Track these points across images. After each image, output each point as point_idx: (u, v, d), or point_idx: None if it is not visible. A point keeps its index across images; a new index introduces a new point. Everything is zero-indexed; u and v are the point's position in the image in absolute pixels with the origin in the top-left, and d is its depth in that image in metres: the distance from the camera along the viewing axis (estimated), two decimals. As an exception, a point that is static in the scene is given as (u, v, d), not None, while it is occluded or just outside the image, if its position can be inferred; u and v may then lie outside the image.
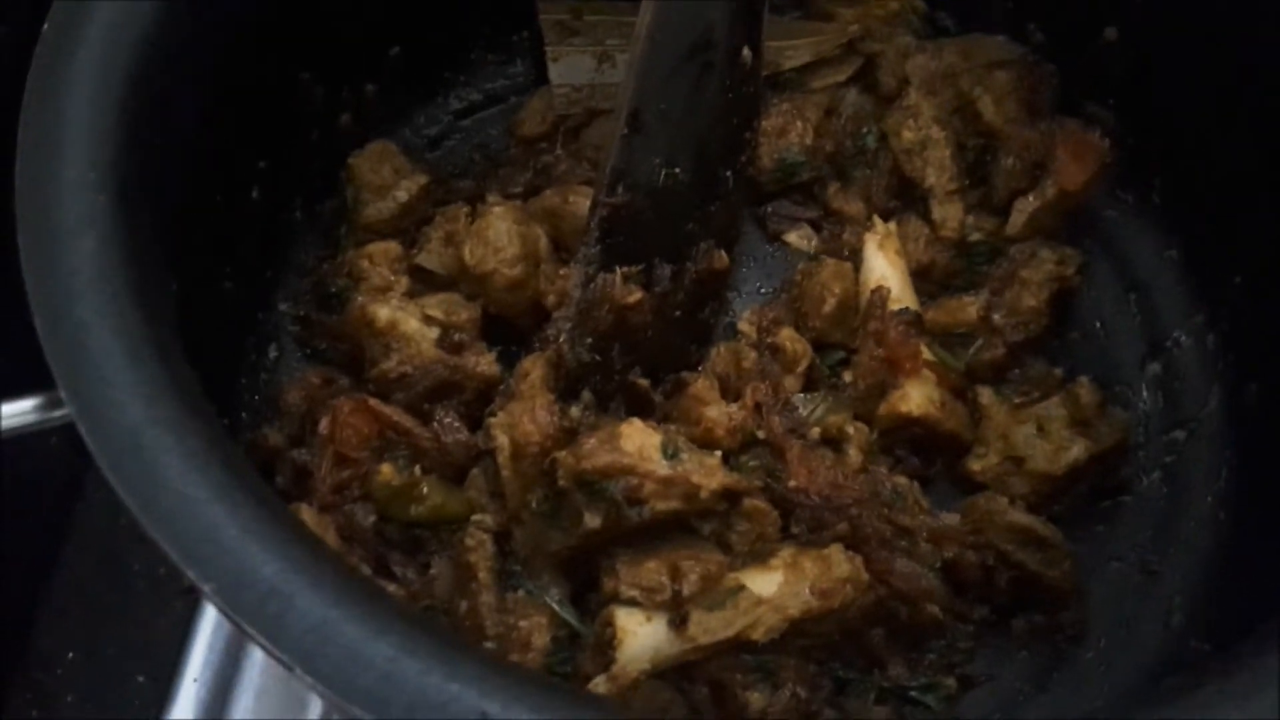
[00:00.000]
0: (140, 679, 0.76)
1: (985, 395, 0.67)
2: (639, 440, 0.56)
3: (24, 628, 0.78)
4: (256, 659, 0.68)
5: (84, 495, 0.81)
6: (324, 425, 0.61)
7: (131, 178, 0.49)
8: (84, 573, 0.80)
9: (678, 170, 0.64)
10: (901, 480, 0.64)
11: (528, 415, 0.59)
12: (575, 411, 0.61)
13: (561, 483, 0.56)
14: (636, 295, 0.62)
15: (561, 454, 0.57)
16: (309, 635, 0.36)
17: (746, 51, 0.66)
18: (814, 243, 0.74)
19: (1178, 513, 0.67)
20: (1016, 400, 0.67)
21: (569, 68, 0.75)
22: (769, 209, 0.75)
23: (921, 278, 0.72)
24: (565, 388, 0.62)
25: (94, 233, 0.44)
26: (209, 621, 0.71)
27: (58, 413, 0.41)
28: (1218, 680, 0.40)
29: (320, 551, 0.39)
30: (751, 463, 0.62)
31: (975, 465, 0.66)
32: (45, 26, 0.49)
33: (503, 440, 0.59)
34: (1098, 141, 0.71)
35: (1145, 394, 0.71)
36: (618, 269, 0.62)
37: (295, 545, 0.38)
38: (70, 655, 0.78)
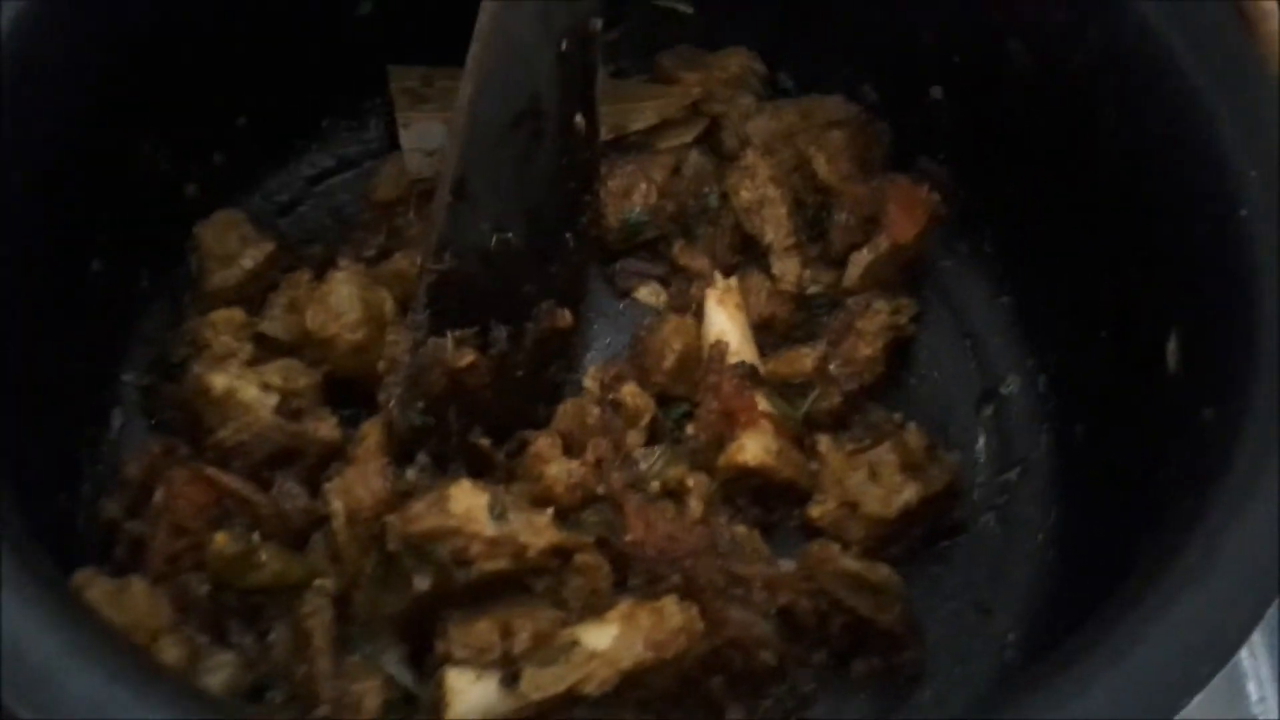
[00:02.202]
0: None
1: (823, 443, 0.69)
2: (466, 502, 0.57)
3: None
4: None
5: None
6: (159, 496, 0.61)
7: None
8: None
9: (510, 235, 0.65)
10: (741, 530, 0.65)
11: (360, 480, 0.60)
12: (411, 474, 0.62)
13: (391, 546, 0.57)
14: (469, 358, 0.63)
15: (391, 518, 0.57)
16: (83, 716, 0.36)
17: (579, 119, 0.68)
18: (662, 298, 0.76)
19: (1010, 551, 0.69)
20: (850, 447, 0.69)
21: (420, 133, 0.77)
22: (617, 266, 0.76)
23: (764, 330, 0.74)
24: (400, 451, 0.62)
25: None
26: None
27: None
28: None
29: (101, 630, 0.39)
30: (592, 518, 0.63)
31: (814, 511, 0.68)
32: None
33: (337, 505, 0.60)
34: (926, 195, 0.74)
35: (980, 436, 0.73)
36: (449, 333, 0.63)
37: (70, 624, 0.38)
38: None
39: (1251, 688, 0.72)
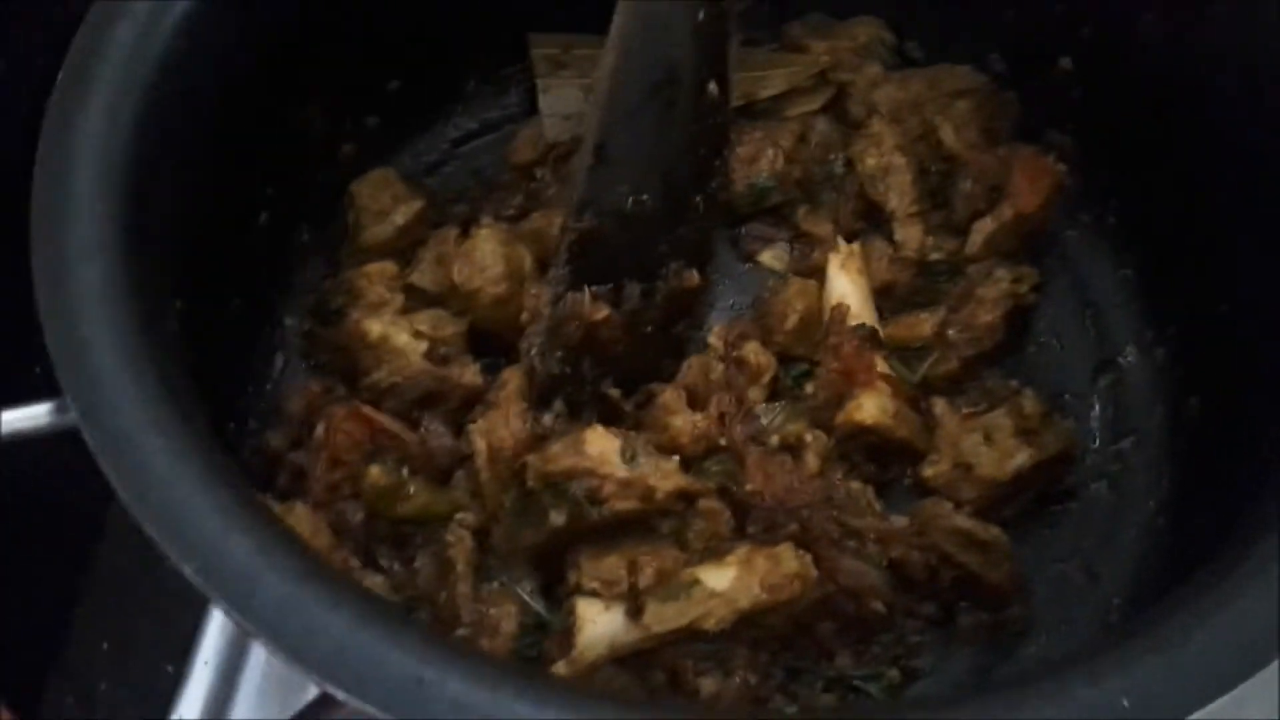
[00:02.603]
0: (170, 668, 0.82)
1: (939, 406, 0.72)
2: (600, 445, 0.61)
3: (63, 619, 0.84)
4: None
5: (116, 496, 0.87)
6: (319, 430, 0.66)
7: (138, 207, 0.55)
8: (117, 568, 0.86)
9: (645, 197, 0.69)
10: (855, 485, 0.68)
11: (502, 422, 0.65)
12: (548, 419, 0.66)
13: (530, 484, 0.62)
14: (605, 312, 0.67)
15: (531, 457, 0.62)
16: (273, 610, 0.41)
17: (713, 86, 0.71)
18: (786, 262, 0.79)
19: (1120, 519, 0.70)
20: (966, 411, 0.71)
21: (558, 99, 0.81)
22: (743, 230, 0.79)
23: (884, 295, 0.76)
24: (539, 397, 0.67)
25: (99, 258, 0.50)
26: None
27: (67, 416, 0.46)
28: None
29: (287, 538, 0.44)
30: (714, 468, 0.67)
31: (928, 471, 0.70)
32: (62, 67, 0.55)
33: (480, 445, 0.65)
34: (1052, 166, 0.75)
35: (1096, 405, 0.75)
36: (587, 288, 0.67)
37: (265, 532, 0.43)
38: (105, 645, 0.84)
39: None
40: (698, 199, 0.73)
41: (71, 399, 0.46)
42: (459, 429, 0.68)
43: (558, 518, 0.61)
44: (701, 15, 0.68)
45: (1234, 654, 0.42)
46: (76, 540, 0.85)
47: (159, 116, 0.58)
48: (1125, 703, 0.40)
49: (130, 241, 0.53)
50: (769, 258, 0.79)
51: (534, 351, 0.66)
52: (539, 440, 0.64)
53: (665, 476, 0.61)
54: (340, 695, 0.40)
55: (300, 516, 0.63)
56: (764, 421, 0.70)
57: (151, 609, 0.82)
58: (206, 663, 0.75)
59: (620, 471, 0.60)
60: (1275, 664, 0.43)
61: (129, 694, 0.81)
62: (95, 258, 0.50)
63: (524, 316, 0.68)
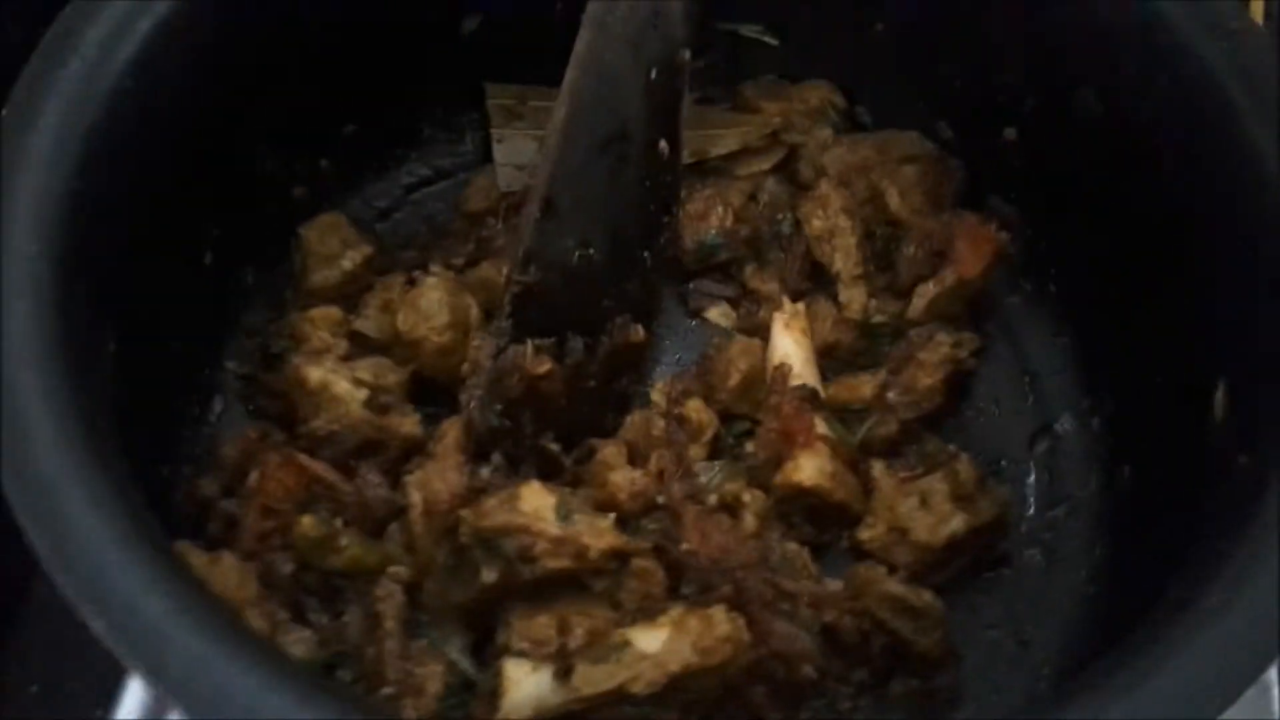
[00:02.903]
0: (99, 714, 0.80)
1: (877, 468, 0.72)
2: (535, 501, 0.61)
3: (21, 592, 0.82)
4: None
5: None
6: (253, 478, 0.65)
7: (75, 245, 0.54)
8: (48, 611, 0.84)
9: (592, 251, 0.69)
10: (792, 547, 0.68)
11: (439, 475, 0.64)
12: (485, 473, 0.66)
13: (463, 539, 0.61)
14: (547, 366, 0.67)
15: (465, 512, 0.61)
16: (184, 670, 0.41)
17: (664, 144, 0.71)
18: (732, 319, 0.79)
19: (1052, 586, 0.71)
20: (903, 474, 0.71)
21: (512, 149, 0.81)
22: (690, 286, 0.80)
23: (828, 356, 0.76)
24: (477, 450, 0.66)
25: (29, 298, 0.49)
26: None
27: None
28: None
29: (202, 597, 0.44)
30: (651, 525, 0.67)
31: (864, 534, 0.70)
32: (6, 105, 0.55)
33: (416, 497, 0.64)
34: (993, 234, 0.76)
35: (1032, 472, 0.76)
36: (529, 341, 0.67)
37: (180, 591, 0.43)
38: (34, 688, 0.83)
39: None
40: (645, 254, 0.73)
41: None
42: (396, 480, 0.67)
43: (489, 575, 0.60)
44: (654, 74, 0.69)
45: None
46: (6, 584, 0.84)
47: (102, 155, 0.58)
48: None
49: (64, 280, 0.53)
50: (716, 314, 0.80)
51: (473, 404, 0.66)
52: (475, 494, 0.64)
53: (599, 535, 0.61)
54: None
55: (228, 567, 0.62)
56: (703, 480, 0.70)
57: (83, 653, 0.80)
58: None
59: (554, 529, 0.60)
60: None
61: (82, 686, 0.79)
62: (26, 295, 0.49)
63: (465, 367, 0.68)
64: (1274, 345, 0.56)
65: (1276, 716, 0.73)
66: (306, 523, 0.64)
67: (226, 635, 0.42)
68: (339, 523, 0.65)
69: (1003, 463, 0.76)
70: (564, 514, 0.61)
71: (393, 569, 0.65)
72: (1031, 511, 0.74)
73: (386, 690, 0.61)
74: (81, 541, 0.43)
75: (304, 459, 0.66)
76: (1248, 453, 0.54)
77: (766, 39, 0.85)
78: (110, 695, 0.77)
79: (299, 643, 0.63)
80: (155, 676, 0.41)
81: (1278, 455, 0.51)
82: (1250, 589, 0.47)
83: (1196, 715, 0.43)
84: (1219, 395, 0.60)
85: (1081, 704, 0.43)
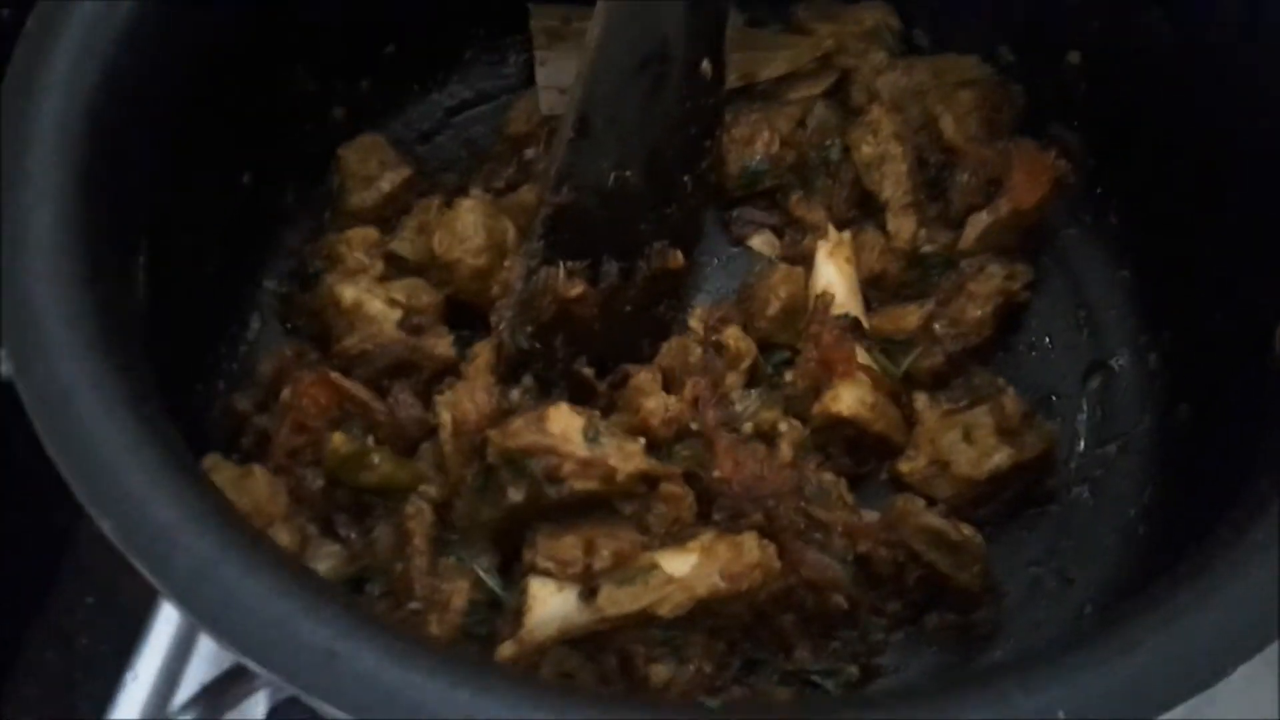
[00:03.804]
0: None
1: (920, 401, 0.70)
2: (563, 423, 0.60)
3: (48, 573, 0.85)
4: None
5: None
6: (285, 394, 0.65)
7: (102, 157, 0.54)
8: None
9: (629, 174, 0.67)
10: (828, 477, 0.67)
11: (468, 395, 0.64)
12: (515, 395, 0.65)
13: (490, 458, 0.60)
14: (579, 289, 0.66)
15: (492, 432, 0.61)
16: (188, 573, 0.41)
17: (706, 64, 0.69)
18: (776, 248, 0.77)
19: (1099, 525, 0.69)
20: (946, 407, 0.69)
21: (556, 70, 0.79)
22: (734, 214, 0.78)
23: (875, 286, 0.74)
24: (507, 372, 0.66)
25: (51, 208, 0.49)
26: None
27: (4, 367, 0.46)
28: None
29: (212, 503, 0.43)
30: (684, 452, 0.66)
31: (904, 467, 0.69)
32: (30, 17, 0.55)
33: (445, 417, 0.64)
34: (1052, 161, 0.73)
35: (1084, 408, 0.73)
36: (562, 263, 0.66)
37: (188, 495, 0.43)
38: (88, 600, 0.85)
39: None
40: (685, 179, 0.72)
41: (8, 350, 0.46)
42: (429, 401, 0.67)
43: (516, 495, 0.60)
44: (695, -9, 0.67)
45: (1173, 674, 0.40)
46: (67, 493, 0.86)
47: (131, 68, 0.57)
48: (1061, 714, 0.39)
49: (88, 193, 0.52)
50: (759, 243, 0.78)
51: (503, 325, 0.65)
52: (505, 415, 0.63)
53: (627, 458, 0.60)
54: (251, 665, 0.40)
55: (259, 480, 0.62)
56: (739, 408, 0.68)
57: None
58: (168, 620, 0.75)
59: (581, 451, 0.59)
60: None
61: (110, 649, 0.81)
62: (47, 205, 0.49)
63: (494, 289, 0.67)
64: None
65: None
66: (338, 439, 0.64)
67: (234, 539, 0.42)
68: (371, 440, 0.65)
69: (1054, 398, 0.73)
70: (592, 436, 0.60)
71: (423, 487, 0.65)
72: (1082, 448, 0.72)
73: (413, 605, 0.61)
74: (93, 445, 0.43)
75: (336, 377, 0.66)
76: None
77: (821, -43, 0.82)
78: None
79: (328, 556, 0.63)
80: (160, 578, 0.41)
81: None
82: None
83: (1236, 652, 0.41)
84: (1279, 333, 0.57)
85: (1115, 635, 0.41)
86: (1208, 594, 0.42)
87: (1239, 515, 0.46)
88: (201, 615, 0.40)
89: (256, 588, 0.41)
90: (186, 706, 0.40)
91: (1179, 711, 0.40)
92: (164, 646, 0.74)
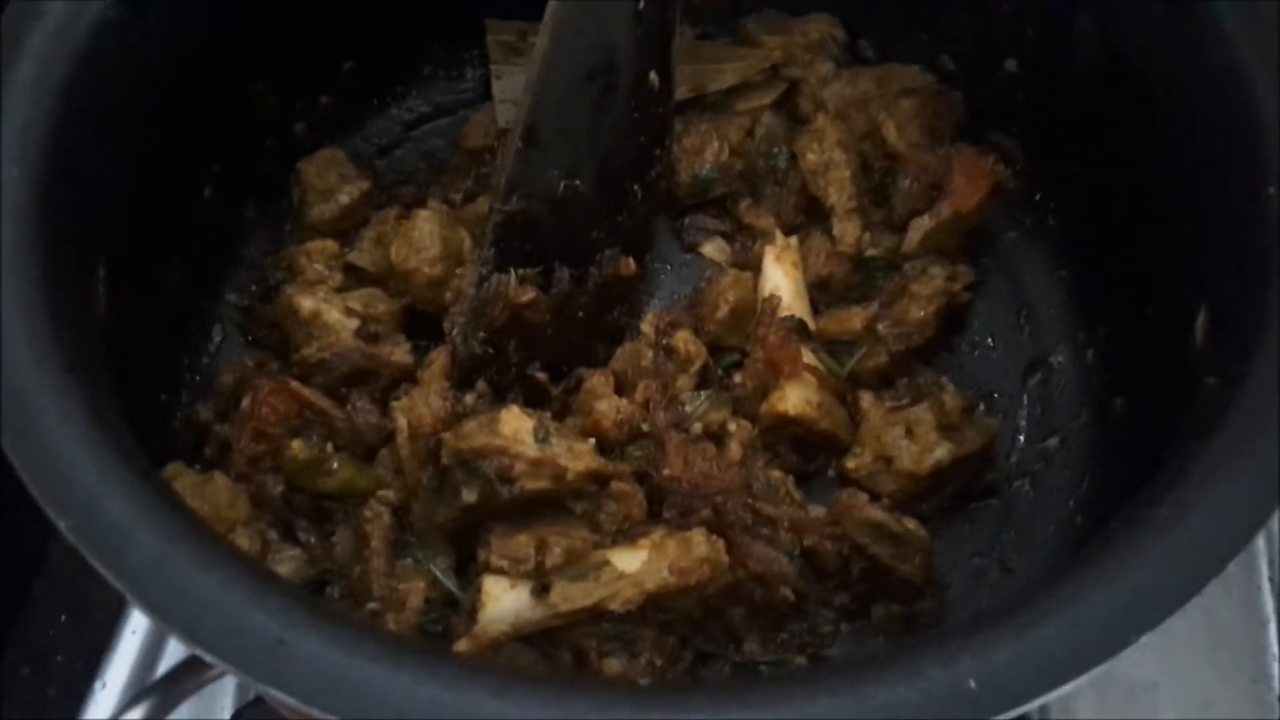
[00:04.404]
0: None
1: (865, 399, 0.72)
2: (514, 424, 0.62)
3: (22, 590, 0.86)
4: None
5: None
6: (245, 403, 0.67)
7: (61, 172, 0.56)
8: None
9: (578, 182, 0.69)
10: (776, 474, 0.69)
11: (423, 400, 0.65)
12: (470, 399, 0.67)
13: (444, 460, 0.62)
14: (530, 295, 0.68)
15: (446, 434, 0.63)
16: (142, 568, 0.42)
17: (654, 76, 0.71)
18: (727, 254, 0.80)
19: (1040, 516, 0.71)
20: (890, 404, 0.72)
21: (512, 84, 0.81)
22: (685, 221, 0.80)
23: (822, 289, 0.77)
24: (461, 377, 0.68)
25: (11, 222, 0.51)
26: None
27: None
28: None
29: (164, 501, 0.45)
30: (636, 453, 0.68)
31: (850, 464, 0.71)
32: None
33: (401, 422, 0.66)
34: (990, 167, 0.76)
35: (1025, 404, 0.75)
36: (513, 270, 0.68)
37: (141, 494, 0.44)
38: (62, 617, 0.86)
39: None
40: (635, 187, 0.74)
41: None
42: (386, 408, 0.69)
43: (469, 495, 0.61)
44: (642, 4, 0.69)
45: (1076, 646, 0.42)
46: (38, 515, 0.87)
47: (89, 88, 0.59)
48: (972, 684, 0.41)
49: (48, 209, 0.54)
50: (711, 249, 0.80)
51: (456, 331, 0.67)
52: (459, 419, 0.65)
53: (577, 457, 0.62)
54: (202, 654, 0.41)
55: (220, 487, 0.64)
56: (689, 409, 0.70)
57: (109, 583, 0.83)
58: (134, 632, 0.77)
59: (531, 451, 0.61)
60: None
61: (83, 666, 0.82)
62: (8, 221, 0.51)
63: (448, 296, 0.69)
64: (1246, 267, 0.55)
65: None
66: (296, 446, 0.66)
67: (186, 535, 0.44)
68: (330, 447, 0.67)
69: (996, 395, 0.76)
70: (542, 436, 0.62)
71: (381, 492, 0.66)
72: (1023, 442, 0.74)
73: (371, 605, 0.62)
74: (50, 447, 0.45)
75: (296, 385, 0.67)
76: (1216, 374, 0.53)
77: (767, -29, 0.84)
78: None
79: (289, 560, 0.65)
80: (114, 573, 0.43)
81: (1241, 374, 0.51)
82: (1206, 500, 0.47)
83: (1135, 627, 0.43)
84: (1199, 322, 0.60)
85: (1022, 611, 0.44)
86: (1110, 571, 0.45)
87: (1147, 494, 0.49)
88: (154, 608, 0.42)
89: (207, 580, 0.42)
90: (141, 695, 0.42)
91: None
92: (131, 656, 0.75)
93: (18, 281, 0.50)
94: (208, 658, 0.41)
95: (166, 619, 0.42)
